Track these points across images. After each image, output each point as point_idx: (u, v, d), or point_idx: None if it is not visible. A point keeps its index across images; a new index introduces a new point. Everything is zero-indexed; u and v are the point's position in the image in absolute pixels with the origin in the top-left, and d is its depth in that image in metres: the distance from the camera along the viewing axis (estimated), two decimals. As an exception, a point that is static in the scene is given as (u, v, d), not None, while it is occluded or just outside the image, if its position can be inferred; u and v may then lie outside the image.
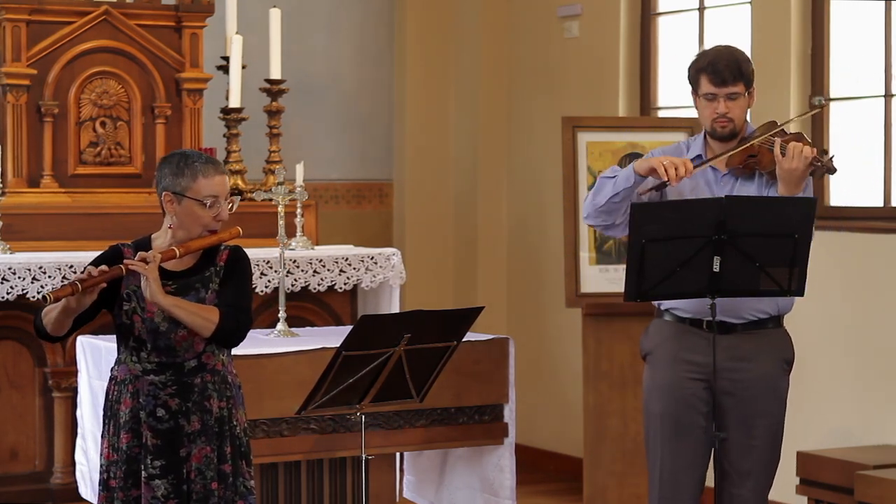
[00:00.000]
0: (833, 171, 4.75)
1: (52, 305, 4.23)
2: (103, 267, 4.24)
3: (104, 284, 4.26)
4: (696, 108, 4.92)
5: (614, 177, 4.84)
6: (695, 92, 4.90)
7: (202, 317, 4.31)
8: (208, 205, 4.35)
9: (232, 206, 4.43)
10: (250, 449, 4.53)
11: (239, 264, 4.46)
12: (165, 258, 4.30)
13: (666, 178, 4.68)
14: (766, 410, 4.81)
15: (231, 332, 4.37)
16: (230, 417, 4.46)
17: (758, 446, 4.81)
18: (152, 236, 4.47)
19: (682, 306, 4.85)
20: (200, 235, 4.38)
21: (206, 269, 4.42)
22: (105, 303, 4.37)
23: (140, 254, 4.28)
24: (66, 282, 4.27)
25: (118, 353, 4.47)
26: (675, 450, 4.86)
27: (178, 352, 4.39)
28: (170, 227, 4.39)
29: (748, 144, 4.81)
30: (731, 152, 4.82)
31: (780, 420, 4.89)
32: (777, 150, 4.71)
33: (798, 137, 4.81)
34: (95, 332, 5.88)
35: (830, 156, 4.75)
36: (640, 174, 4.77)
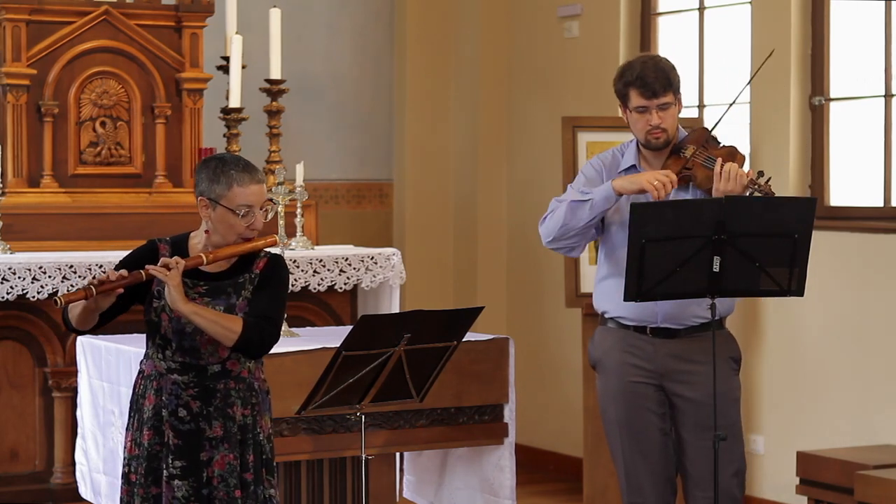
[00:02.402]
0: (770, 196, 4.73)
1: (76, 300, 4.21)
2: (122, 272, 4.20)
3: (121, 290, 4.22)
4: (627, 121, 4.89)
5: (587, 200, 4.82)
6: (624, 106, 4.87)
7: (223, 326, 4.26)
8: (242, 214, 4.30)
9: (267, 215, 4.38)
10: (273, 455, 4.50)
11: (276, 273, 4.41)
12: (190, 265, 4.25)
13: (656, 198, 4.69)
14: (722, 411, 4.79)
15: (254, 344, 4.31)
16: (254, 425, 4.43)
17: (718, 448, 4.78)
18: (191, 234, 4.43)
19: (626, 314, 4.87)
20: (235, 242, 4.34)
21: (240, 274, 4.38)
22: (137, 297, 4.35)
23: (163, 259, 4.24)
24: (85, 283, 4.19)
25: (146, 348, 4.45)
26: (636, 454, 4.88)
27: (202, 354, 4.36)
28: (206, 232, 4.36)
29: (683, 157, 4.80)
30: (673, 161, 4.82)
31: (737, 419, 4.90)
32: (717, 168, 4.70)
33: (731, 151, 4.80)
34: (95, 332, 5.88)
35: (767, 178, 4.74)
36: (622, 194, 4.76)
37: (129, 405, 4.50)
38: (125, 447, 4.44)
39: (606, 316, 4.94)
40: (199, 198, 4.32)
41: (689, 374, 4.83)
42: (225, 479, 4.36)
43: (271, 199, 4.45)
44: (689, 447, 4.85)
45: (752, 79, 5.02)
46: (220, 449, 4.36)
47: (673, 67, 4.87)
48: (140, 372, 4.46)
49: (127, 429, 4.47)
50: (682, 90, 4.89)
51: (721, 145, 4.87)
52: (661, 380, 4.86)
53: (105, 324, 4.37)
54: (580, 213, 4.81)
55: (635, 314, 4.84)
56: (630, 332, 4.88)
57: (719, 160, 4.73)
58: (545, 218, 4.91)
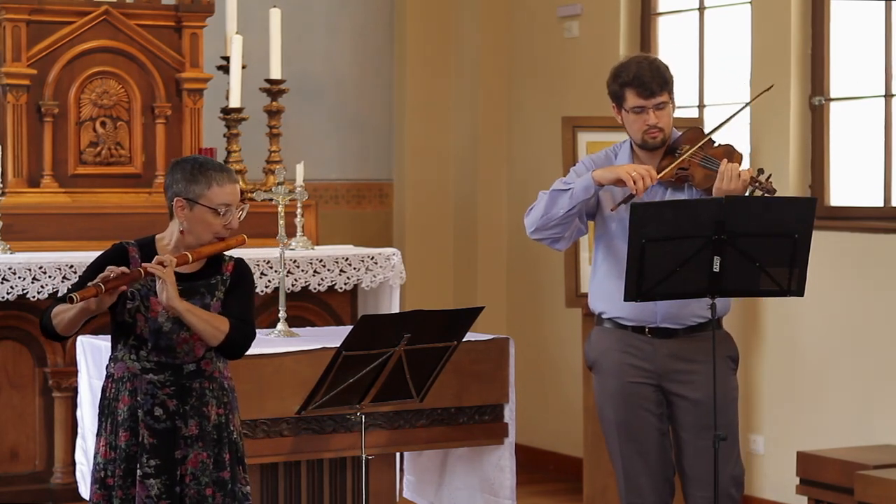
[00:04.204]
0: (772, 192, 4.73)
1: (65, 306, 4.23)
2: (123, 269, 4.23)
3: (125, 287, 4.26)
4: (622, 122, 4.90)
5: (568, 189, 4.83)
6: (619, 107, 4.89)
7: (213, 325, 4.32)
8: (222, 213, 4.35)
9: (242, 214, 4.44)
10: (245, 453, 4.53)
11: (245, 277, 4.48)
12: (180, 263, 4.31)
13: (634, 191, 4.69)
14: (721, 410, 4.80)
15: (237, 345, 4.39)
16: (227, 423, 4.46)
17: (712, 446, 4.80)
18: (156, 237, 4.47)
19: (625, 314, 4.87)
20: (209, 242, 4.39)
21: (212, 276, 4.43)
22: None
23: (157, 257, 4.28)
24: (90, 284, 4.23)
25: (114, 351, 4.47)
26: (634, 454, 4.88)
27: (178, 353, 4.40)
28: (180, 232, 4.39)
29: (680, 159, 4.81)
30: (669, 168, 4.82)
31: (735, 419, 4.90)
32: (721, 168, 4.70)
33: (728, 150, 4.80)
34: (95, 332, 5.88)
35: (768, 175, 4.74)
36: (602, 184, 4.77)
37: (98, 410, 4.52)
38: (98, 452, 4.46)
39: (604, 316, 4.94)
40: (176, 198, 4.36)
41: (688, 373, 4.83)
42: (197, 477, 4.39)
43: (244, 200, 4.48)
44: (687, 447, 4.85)
45: (750, 102, 5.02)
46: (194, 447, 4.40)
47: (667, 67, 4.89)
48: (109, 376, 4.48)
49: (98, 434, 4.48)
50: (675, 90, 4.90)
51: (717, 144, 4.87)
52: (659, 380, 4.86)
53: (81, 329, 4.40)
54: (560, 201, 4.82)
55: (634, 314, 4.84)
56: (628, 332, 4.88)
57: (724, 161, 4.73)
58: (530, 209, 4.92)
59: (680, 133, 4.93)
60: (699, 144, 4.81)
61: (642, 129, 4.83)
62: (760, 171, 4.74)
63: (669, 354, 4.84)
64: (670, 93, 4.84)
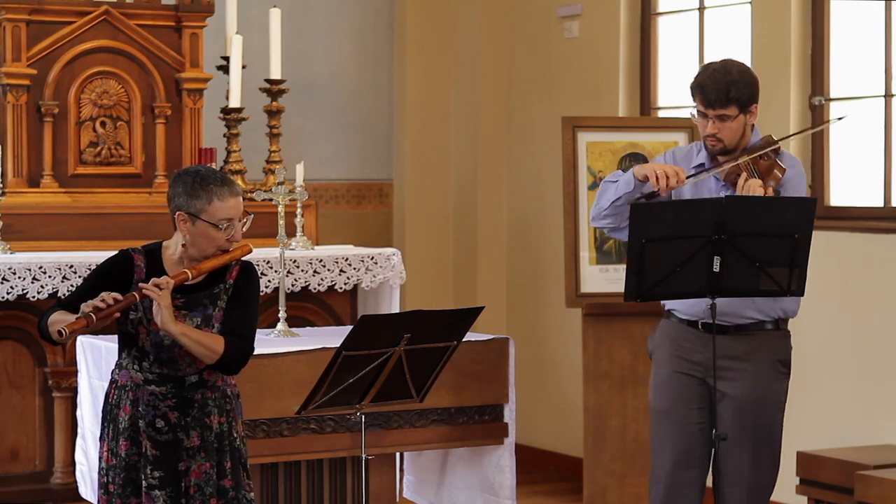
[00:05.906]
0: None
1: (59, 317, 4.21)
2: (116, 295, 4.22)
3: (118, 315, 4.25)
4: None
5: (616, 181, 4.90)
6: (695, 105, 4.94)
7: (207, 347, 4.30)
8: (223, 228, 4.34)
9: (245, 226, 4.41)
10: (248, 458, 4.53)
11: (249, 284, 4.45)
12: (178, 282, 4.29)
13: (656, 188, 4.72)
14: (760, 411, 4.83)
15: (233, 364, 4.37)
16: (230, 431, 4.46)
17: (751, 447, 4.83)
18: (163, 244, 4.44)
19: (680, 307, 4.91)
20: (213, 254, 4.37)
21: (215, 284, 4.41)
22: None
23: (153, 280, 4.26)
24: (80, 314, 4.21)
25: (119, 358, 4.46)
26: (672, 447, 4.91)
27: (180, 365, 4.38)
28: (182, 245, 4.37)
29: (736, 164, 4.85)
30: (727, 167, 4.87)
31: (775, 421, 4.91)
32: (741, 182, 4.77)
33: (771, 166, 4.83)
34: (95, 333, 5.88)
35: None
36: (638, 179, 4.82)
37: (101, 415, 4.51)
38: (101, 457, 4.46)
39: (666, 308, 5.00)
40: (178, 213, 4.34)
41: (734, 371, 4.83)
42: (201, 487, 4.39)
43: (247, 211, 4.46)
44: (725, 444, 4.84)
45: (826, 124, 5.07)
46: (196, 458, 4.39)
47: (742, 81, 4.82)
48: (113, 382, 4.47)
49: (101, 438, 4.48)
50: (755, 100, 4.86)
51: (768, 158, 4.87)
52: (705, 374, 4.86)
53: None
54: (608, 193, 4.91)
55: (687, 308, 4.88)
56: (683, 325, 4.92)
57: (744, 175, 4.78)
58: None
59: (761, 136, 4.94)
60: (756, 152, 4.81)
61: (703, 134, 4.90)
62: (777, 192, 4.79)
63: (719, 350, 4.84)
64: (741, 107, 4.81)
